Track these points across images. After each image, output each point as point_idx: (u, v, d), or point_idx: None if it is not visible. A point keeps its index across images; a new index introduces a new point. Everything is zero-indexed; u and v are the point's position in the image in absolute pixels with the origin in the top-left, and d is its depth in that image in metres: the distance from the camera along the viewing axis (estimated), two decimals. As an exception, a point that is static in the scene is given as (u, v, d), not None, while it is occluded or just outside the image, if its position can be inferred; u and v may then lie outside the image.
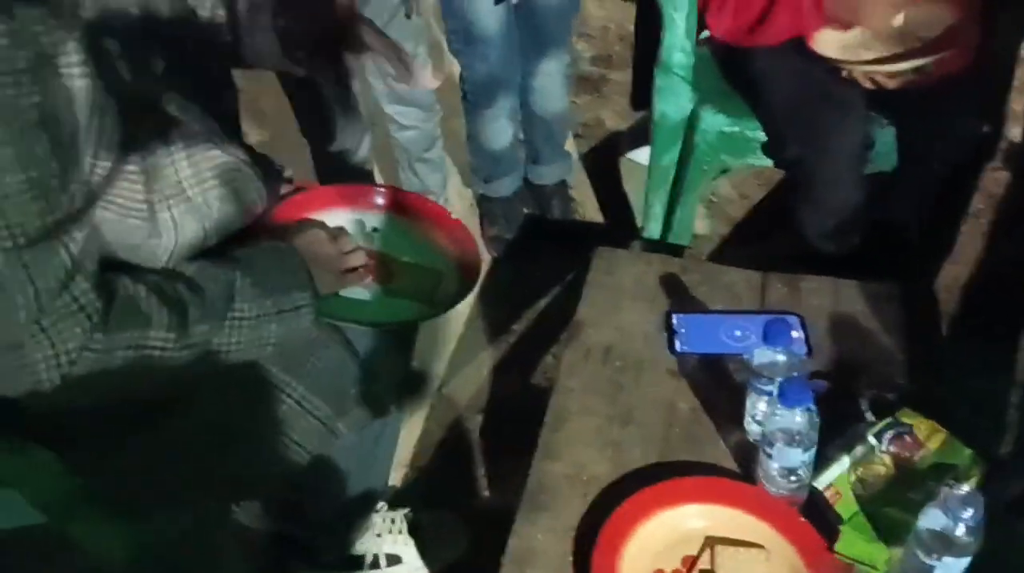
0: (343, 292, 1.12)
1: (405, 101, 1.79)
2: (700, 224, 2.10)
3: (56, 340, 0.78)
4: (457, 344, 1.87)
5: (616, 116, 2.44)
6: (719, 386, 1.25)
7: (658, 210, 1.81)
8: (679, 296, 1.39)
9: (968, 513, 0.89)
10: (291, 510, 1.30)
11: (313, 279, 1.02)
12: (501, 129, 1.91)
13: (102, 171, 0.80)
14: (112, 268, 0.86)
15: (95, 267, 0.81)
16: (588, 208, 2.19)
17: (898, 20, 1.47)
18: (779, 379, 1.07)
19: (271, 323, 0.96)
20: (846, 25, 1.49)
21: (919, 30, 1.52)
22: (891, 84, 1.54)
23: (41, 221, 0.75)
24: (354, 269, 1.12)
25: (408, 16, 1.63)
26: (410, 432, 1.65)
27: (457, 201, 2.15)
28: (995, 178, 2.26)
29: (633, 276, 1.43)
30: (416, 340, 1.47)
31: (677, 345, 1.30)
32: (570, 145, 2.23)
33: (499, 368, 1.81)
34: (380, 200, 1.27)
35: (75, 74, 0.74)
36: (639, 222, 1.95)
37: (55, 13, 0.72)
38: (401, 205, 1.28)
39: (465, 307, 1.94)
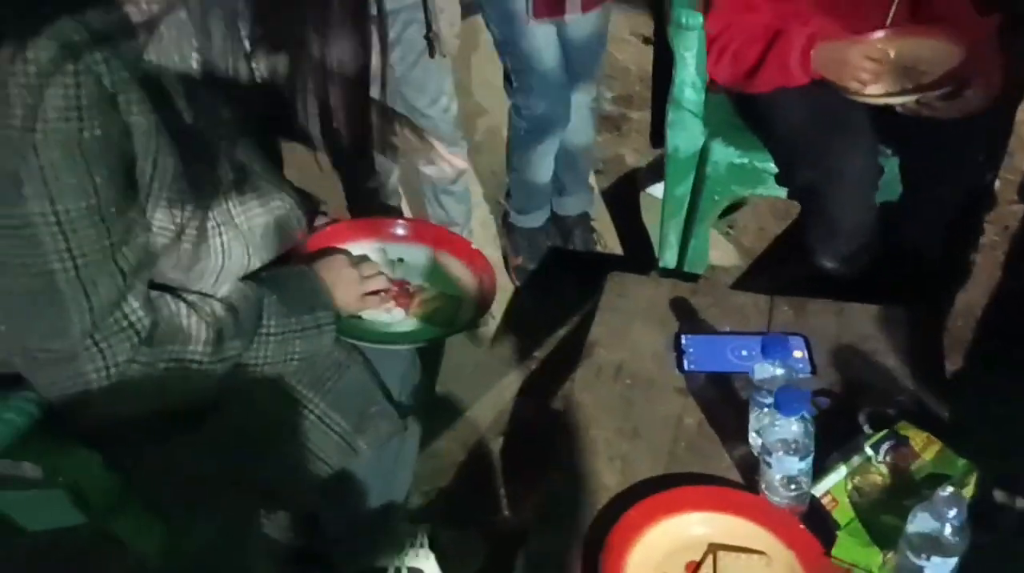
0: (366, 315, 1.20)
1: (431, 136, 1.88)
2: (719, 255, 2.16)
3: (107, 354, 0.86)
4: (480, 369, 1.93)
5: (636, 153, 2.52)
6: (724, 402, 1.30)
7: (673, 240, 1.88)
8: (688, 318, 1.45)
9: (953, 513, 0.93)
10: (313, 524, 1.36)
11: (334, 300, 1.10)
12: (548, 164, 2.02)
13: (156, 200, 0.88)
14: (157, 287, 0.94)
15: (145, 288, 0.89)
16: (609, 240, 2.26)
17: (891, 54, 1.54)
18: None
19: (295, 339, 1.04)
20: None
21: (919, 64, 1.59)
22: (899, 109, 1.60)
23: (99, 245, 0.83)
24: (375, 293, 1.20)
25: (432, 56, 1.73)
26: (433, 453, 1.71)
27: (480, 231, 2.24)
28: (1012, 211, 2.30)
29: (645, 299, 1.49)
30: (439, 363, 1.54)
31: (685, 364, 1.36)
32: (592, 180, 2.31)
33: (520, 392, 1.88)
34: (403, 231, 1.35)
35: (133, 111, 0.83)
36: (657, 253, 2.02)
37: (119, 56, 0.81)
38: (424, 235, 1.36)
39: (488, 333, 2.02)
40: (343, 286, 1.13)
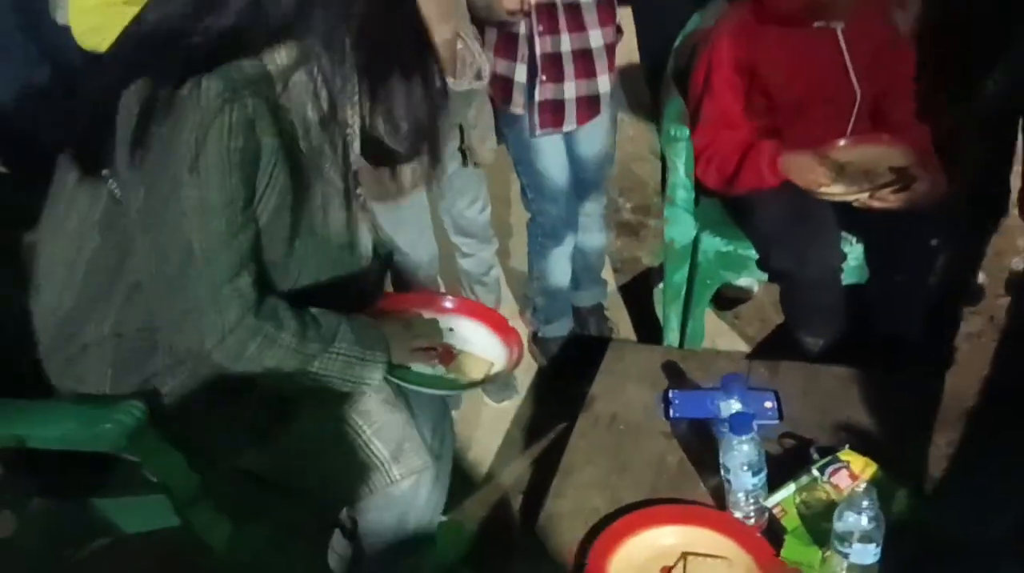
0: (413, 366, 1.42)
1: (467, 233, 2.18)
2: (725, 342, 2.39)
3: (224, 314, 1.13)
4: (504, 438, 2.17)
5: (651, 255, 2.79)
6: (702, 444, 1.51)
7: (674, 322, 2.13)
8: (676, 377, 1.68)
9: (866, 503, 1.13)
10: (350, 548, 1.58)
11: (389, 348, 1.34)
12: (564, 268, 2.26)
13: (266, 204, 1.15)
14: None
15: (253, 275, 1.16)
16: (625, 330, 2.51)
17: (846, 157, 1.83)
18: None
19: (355, 365, 1.27)
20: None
21: (873, 167, 1.86)
22: (856, 204, 1.86)
23: (226, 231, 1.11)
24: (424, 350, 1.42)
25: (465, 165, 2.06)
26: (458, 510, 1.92)
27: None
28: (998, 304, 2.49)
29: (639, 363, 1.74)
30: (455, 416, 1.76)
31: (670, 412, 1.58)
32: (610, 277, 2.59)
33: (539, 459, 2.09)
34: (451, 305, 1.59)
35: (265, 132, 1.10)
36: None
37: (259, 94, 1.09)
38: (468, 310, 1.59)
39: (512, 407, 2.26)
40: (396, 340, 1.36)
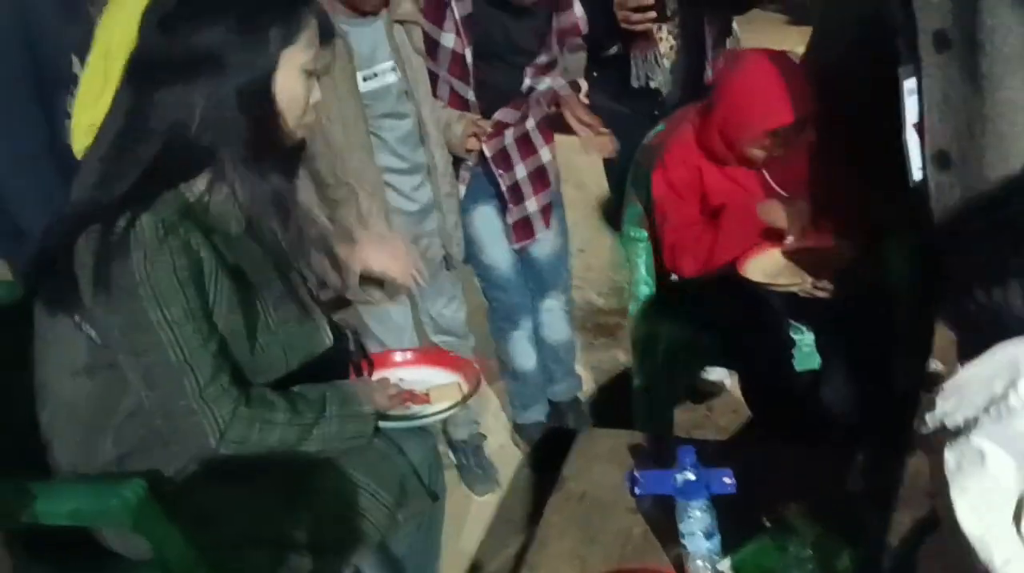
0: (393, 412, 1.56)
1: (446, 331, 2.34)
2: (699, 433, 2.51)
3: (215, 411, 1.27)
4: (488, 531, 2.26)
5: (627, 353, 2.92)
6: (665, 517, 1.61)
7: (643, 411, 2.25)
8: (643, 459, 1.80)
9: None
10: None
11: (373, 401, 1.49)
12: (526, 350, 2.43)
13: (222, 313, 1.29)
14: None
15: (230, 373, 1.30)
16: (603, 422, 2.63)
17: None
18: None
19: (349, 423, 1.42)
20: None
21: (809, 267, 2.02)
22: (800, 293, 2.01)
23: (193, 346, 1.25)
24: (398, 395, 1.57)
25: (448, 269, 2.24)
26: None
27: (493, 423, 2.64)
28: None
29: (608, 446, 1.85)
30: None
31: (636, 489, 1.69)
32: (588, 375, 2.73)
33: (523, 548, 2.17)
34: (401, 358, 1.77)
35: (201, 248, 1.25)
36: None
37: (185, 215, 1.24)
38: (418, 358, 1.78)
39: (495, 499, 2.35)
40: (376, 393, 1.53)
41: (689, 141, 2.11)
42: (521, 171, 2.23)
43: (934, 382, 2.46)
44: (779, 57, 2.01)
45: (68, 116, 1.80)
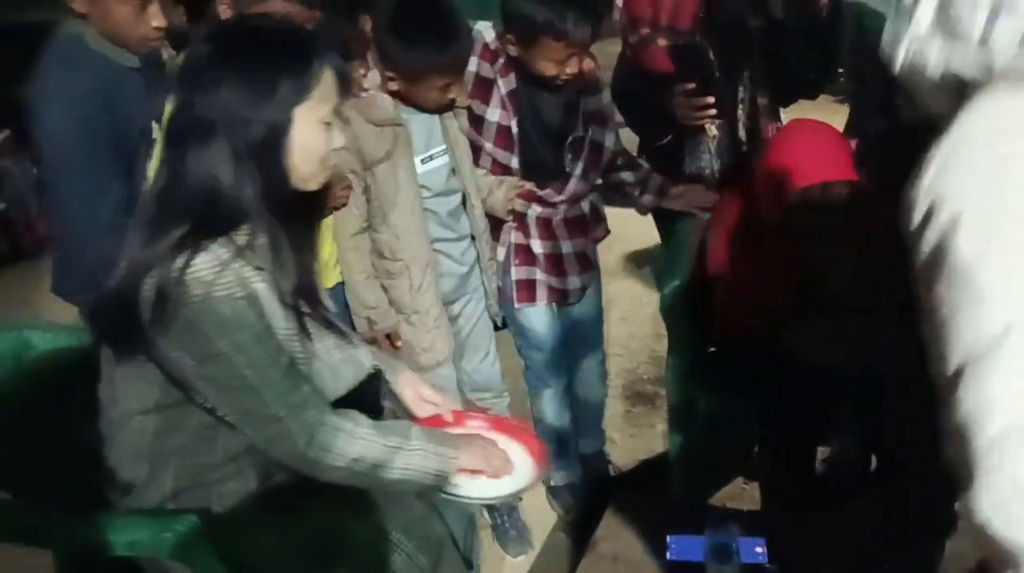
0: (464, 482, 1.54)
1: (483, 388, 2.40)
2: (732, 503, 2.51)
3: (302, 414, 1.36)
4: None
5: (666, 423, 2.95)
6: (698, 583, 1.64)
7: (679, 479, 2.27)
8: (675, 524, 1.82)
9: None
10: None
11: (462, 451, 1.49)
12: (559, 409, 2.48)
13: (283, 339, 1.38)
14: None
15: (307, 383, 1.39)
16: (639, 491, 2.64)
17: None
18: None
19: (432, 458, 1.44)
20: None
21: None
22: None
23: (268, 362, 1.34)
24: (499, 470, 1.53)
25: (497, 328, 2.34)
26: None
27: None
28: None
29: (642, 511, 1.89)
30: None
31: (668, 554, 1.72)
32: (625, 439, 2.76)
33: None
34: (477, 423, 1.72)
35: (255, 281, 1.32)
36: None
37: (237, 254, 1.32)
38: (498, 426, 1.73)
39: (528, 561, 2.37)
40: (465, 444, 1.52)
41: (734, 215, 2.17)
42: (567, 247, 2.35)
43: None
44: (822, 125, 2.11)
45: (146, 179, 1.94)
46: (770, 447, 2.08)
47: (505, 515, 2.48)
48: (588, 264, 2.42)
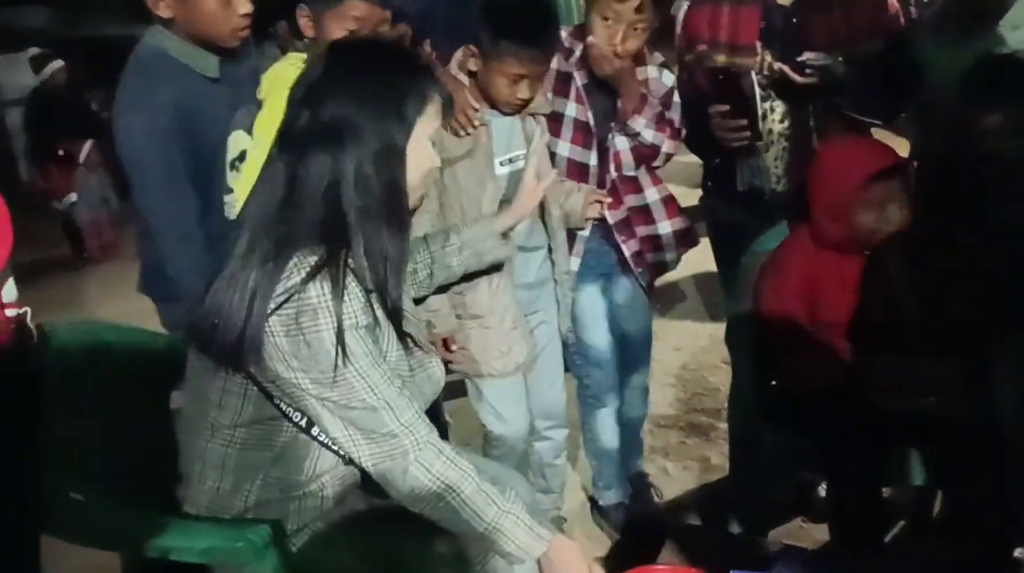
0: None
1: (549, 415, 2.38)
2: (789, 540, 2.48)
3: (414, 431, 1.39)
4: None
5: (720, 456, 2.92)
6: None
7: (739, 514, 2.25)
8: (735, 559, 1.79)
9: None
10: None
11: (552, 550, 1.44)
12: (611, 429, 2.48)
13: (392, 361, 1.43)
14: None
15: (417, 404, 1.42)
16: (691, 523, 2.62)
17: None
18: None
19: (518, 527, 1.42)
20: None
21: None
22: None
23: (387, 383, 1.38)
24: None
25: (566, 340, 2.34)
26: None
27: (571, 498, 2.68)
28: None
29: (701, 545, 1.86)
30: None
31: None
32: (678, 470, 2.75)
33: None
34: None
35: (373, 308, 1.38)
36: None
37: (351, 274, 1.36)
38: None
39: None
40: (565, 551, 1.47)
41: (804, 250, 2.15)
42: (666, 228, 2.38)
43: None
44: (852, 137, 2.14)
45: (229, 191, 1.99)
46: (839, 487, 2.04)
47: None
48: (687, 239, 2.43)
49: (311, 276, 1.32)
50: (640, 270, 2.39)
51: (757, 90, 2.32)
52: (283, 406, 1.43)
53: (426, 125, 1.43)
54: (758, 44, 2.31)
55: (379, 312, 1.41)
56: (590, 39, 2.16)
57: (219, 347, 1.37)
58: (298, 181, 1.37)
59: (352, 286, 1.36)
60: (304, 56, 1.96)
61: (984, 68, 2.04)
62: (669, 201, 2.39)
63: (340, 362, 1.33)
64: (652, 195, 2.37)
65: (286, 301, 1.32)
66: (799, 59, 2.23)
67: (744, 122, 2.25)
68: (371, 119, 1.37)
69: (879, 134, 2.47)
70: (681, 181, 3.09)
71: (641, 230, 2.36)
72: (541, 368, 2.29)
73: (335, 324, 1.32)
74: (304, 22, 1.92)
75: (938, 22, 2.40)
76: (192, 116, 1.94)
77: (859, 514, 1.99)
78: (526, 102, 2.04)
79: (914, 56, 2.31)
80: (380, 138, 1.37)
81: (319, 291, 1.32)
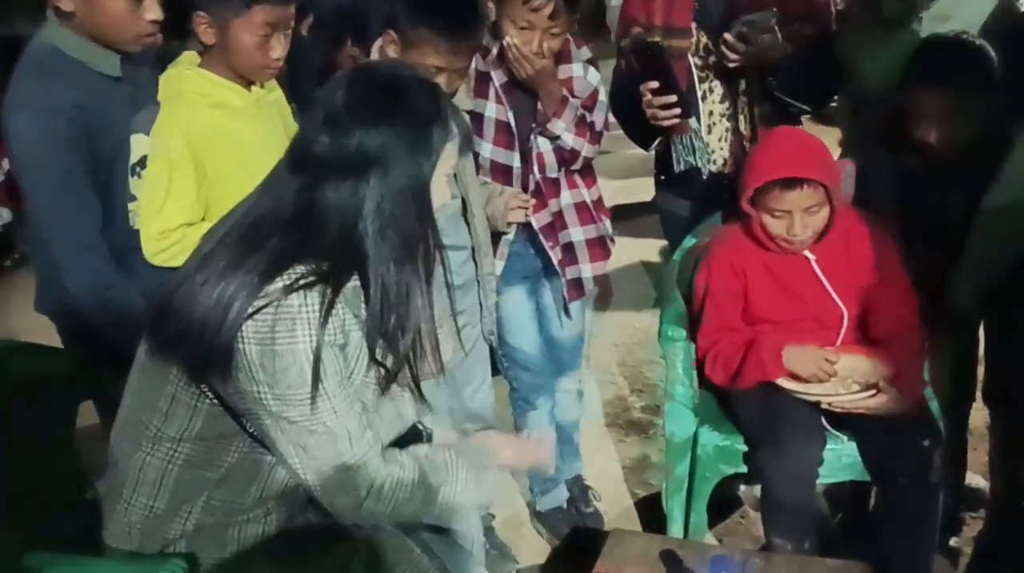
0: None
1: (473, 417, 2.32)
2: (732, 541, 2.46)
3: (367, 464, 1.34)
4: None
5: (659, 453, 2.89)
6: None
7: (677, 514, 2.21)
8: (673, 565, 1.76)
9: None
10: None
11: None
12: (546, 431, 2.40)
13: (357, 386, 1.37)
14: None
15: (373, 433, 1.37)
16: (631, 524, 2.58)
17: (837, 367, 1.99)
18: None
19: (471, 488, 1.46)
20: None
21: (855, 376, 2.02)
22: (846, 409, 2.00)
23: (347, 408, 1.33)
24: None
25: (489, 343, 2.27)
26: None
27: (510, 504, 2.65)
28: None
29: (639, 549, 1.82)
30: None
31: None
32: (617, 469, 2.72)
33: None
34: None
35: (352, 329, 1.32)
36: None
37: (341, 293, 1.30)
38: None
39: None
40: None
41: (736, 246, 2.13)
42: (579, 235, 2.31)
43: (974, 498, 2.44)
44: (796, 131, 2.14)
45: (133, 198, 1.87)
46: (771, 484, 2.01)
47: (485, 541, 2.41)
48: (602, 252, 2.38)
49: (295, 284, 1.27)
50: (572, 265, 2.33)
51: (695, 72, 2.29)
52: (241, 421, 1.36)
53: (448, 160, 1.38)
54: (693, 25, 2.28)
55: (356, 335, 1.34)
56: (507, 39, 2.09)
57: (183, 353, 1.30)
58: (313, 204, 1.32)
59: (338, 305, 1.30)
60: (195, 56, 1.86)
61: (923, 52, 2.02)
62: (583, 207, 2.33)
63: (309, 378, 1.28)
64: (566, 199, 2.31)
65: (264, 306, 1.26)
66: (731, 32, 2.19)
67: (673, 98, 2.20)
68: (400, 153, 1.32)
69: (820, 131, 2.46)
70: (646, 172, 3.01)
71: (563, 235, 2.31)
72: (467, 371, 2.24)
73: (313, 338, 1.27)
74: (203, 28, 1.82)
75: (864, 12, 2.39)
76: (91, 117, 1.82)
77: (792, 511, 1.96)
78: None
79: (841, 44, 2.29)
80: (407, 173, 1.33)
81: (302, 301, 1.26)
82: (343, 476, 1.33)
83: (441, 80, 1.90)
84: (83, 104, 1.81)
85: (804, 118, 2.48)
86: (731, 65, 2.22)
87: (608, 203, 2.50)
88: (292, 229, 1.31)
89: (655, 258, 2.69)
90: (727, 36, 2.19)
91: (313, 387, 1.28)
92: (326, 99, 1.35)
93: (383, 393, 1.43)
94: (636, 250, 2.63)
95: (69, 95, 1.80)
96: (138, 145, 1.88)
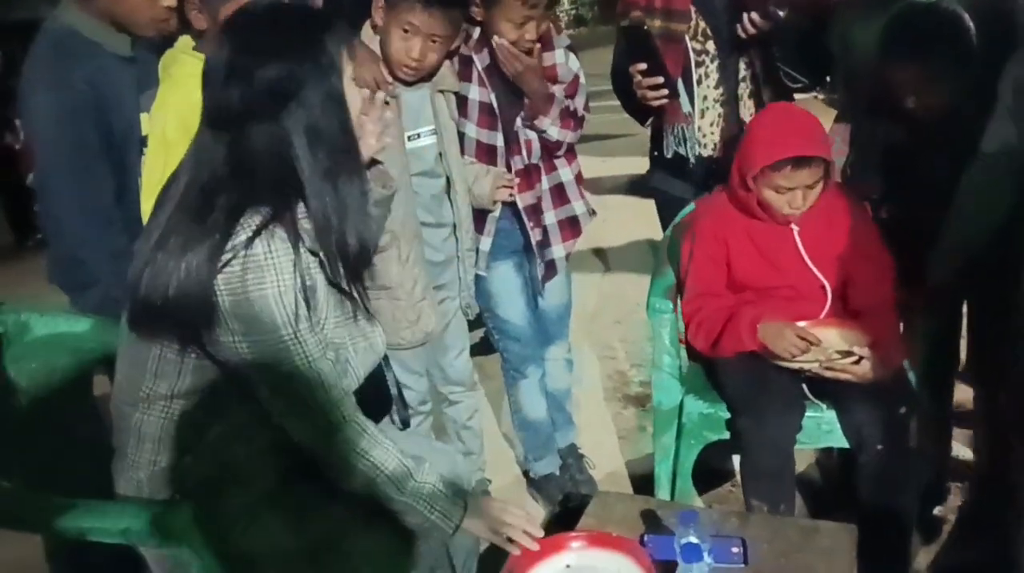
0: None
1: (455, 382, 2.45)
2: (723, 508, 2.54)
3: (341, 408, 1.43)
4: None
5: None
6: (672, 581, 1.67)
7: (664, 480, 2.30)
8: (653, 524, 1.85)
9: None
10: None
11: (468, 511, 1.54)
12: (536, 399, 2.54)
13: (330, 327, 1.45)
14: None
15: (343, 378, 1.46)
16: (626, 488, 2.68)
17: (813, 341, 2.06)
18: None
19: (436, 502, 1.50)
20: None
21: (833, 347, 2.09)
22: (827, 375, 2.07)
23: (320, 353, 1.41)
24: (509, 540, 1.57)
25: (467, 318, 2.38)
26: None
27: (505, 472, 2.76)
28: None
29: (622, 511, 1.91)
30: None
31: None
32: (614, 441, 2.80)
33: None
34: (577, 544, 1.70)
35: (312, 270, 1.39)
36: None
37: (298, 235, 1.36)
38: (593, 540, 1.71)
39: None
40: (486, 507, 1.59)
41: (720, 214, 2.20)
42: (551, 217, 2.40)
43: (957, 469, 2.51)
44: (794, 107, 2.17)
45: (139, 174, 1.98)
46: (752, 452, 2.10)
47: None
48: (577, 231, 2.47)
49: (257, 233, 1.32)
50: (546, 248, 2.42)
51: (692, 56, 2.36)
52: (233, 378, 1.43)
53: (349, 63, 1.44)
54: (692, 9, 2.34)
55: (321, 277, 1.42)
56: (496, 40, 2.18)
57: (168, 325, 1.38)
58: (243, 153, 1.37)
59: (300, 247, 1.37)
60: (190, 40, 1.96)
61: (899, 19, 2.06)
62: (559, 189, 2.42)
63: (281, 323, 1.35)
64: (545, 184, 2.40)
65: (231, 258, 1.32)
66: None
67: (660, 80, 2.27)
68: (304, 74, 1.37)
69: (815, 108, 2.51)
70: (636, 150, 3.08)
71: (545, 217, 2.40)
72: (447, 340, 2.35)
73: (280, 282, 1.34)
74: (194, 15, 1.92)
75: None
76: (105, 95, 1.92)
77: (769, 476, 2.05)
78: (418, 67, 2.05)
79: (837, 23, 2.34)
80: (319, 90, 1.38)
81: (266, 248, 1.33)
82: (318, 418, 1.41)
83: (415, 44, 2.00)
84: (97, 82, 1.91)
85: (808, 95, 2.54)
86: (746, 36, 2.29)
87: (620, 174, 2.56)
88: (235, 182, 1.37)
89: (659, 236, 2.76)
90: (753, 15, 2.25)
91: (285, 330, 1.36)
92: (217, 58, 1.40)
93: (355, 323, 1.51)
94: (640, 228, 2.70)
95: (84, 74, 1.90)
96: (146, 124, 1.98)
